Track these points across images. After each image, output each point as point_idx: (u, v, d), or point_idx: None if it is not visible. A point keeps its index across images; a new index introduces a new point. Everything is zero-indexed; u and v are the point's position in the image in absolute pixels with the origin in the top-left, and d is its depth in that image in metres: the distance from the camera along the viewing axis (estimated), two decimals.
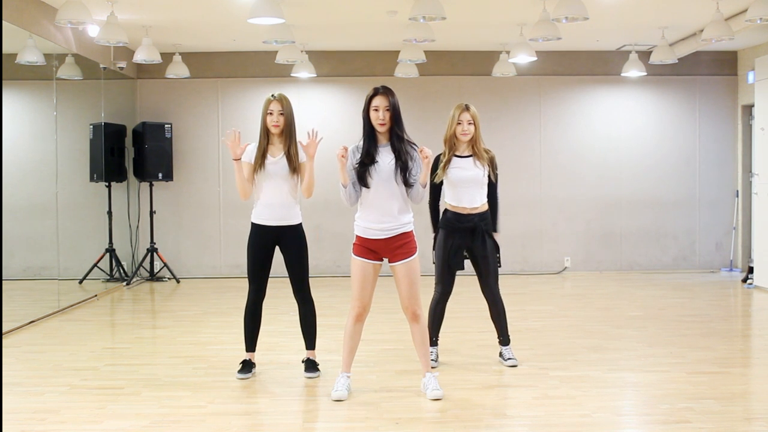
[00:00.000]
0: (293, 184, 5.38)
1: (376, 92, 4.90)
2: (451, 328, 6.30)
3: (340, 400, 4.87)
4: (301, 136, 5.44)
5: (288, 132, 5.36)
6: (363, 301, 4.92)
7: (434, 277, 5.73)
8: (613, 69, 10.77)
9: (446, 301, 5.71)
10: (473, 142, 5.62)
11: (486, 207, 5.67)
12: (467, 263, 5.73)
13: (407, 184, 4.83)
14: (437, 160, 5.65)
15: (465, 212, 5.60)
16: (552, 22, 7.29)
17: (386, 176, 4.81)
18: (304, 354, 5.56)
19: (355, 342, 5.00)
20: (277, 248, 5.45)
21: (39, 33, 7.83)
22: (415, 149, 4.88)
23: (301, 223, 5.44)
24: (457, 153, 5.63)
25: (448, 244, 5.61)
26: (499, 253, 5.72)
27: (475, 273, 5.75)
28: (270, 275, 5.48)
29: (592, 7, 7.30)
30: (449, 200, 5.65)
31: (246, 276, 5.53)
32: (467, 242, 5.62)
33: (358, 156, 4.86)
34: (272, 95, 5.40)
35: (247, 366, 5.46)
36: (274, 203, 5.35)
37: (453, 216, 5.61)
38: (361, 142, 4.89)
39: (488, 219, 5.68)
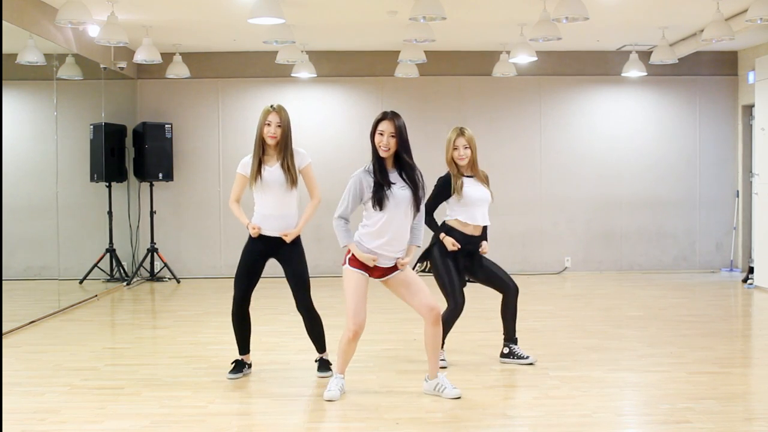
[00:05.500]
0: (292, 194, 5.33)
1: (384, 117, 4.80)
2: (452, 328, 6.29)
3: (331, 400, 4.85)
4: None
5: (284, 143, 5.29)
6: (359, 318, 4.80)
7: (444, 292, 5.58)
8: (613, 69, 10.77)
9: (458, 316, 5.60)
10: (471, 165, 5.61)
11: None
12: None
13: (418, 209, 4.85)
14: (449, 181, 5.57)
15: (474, 232, 5.58)
16: (552, 22, 7.29)
17: (403, 203, 4.76)
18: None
19: (350, 355, 4.96)
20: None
21: (39, 33, 7.83)
22: (418, 173, 4.84)
23: (299, 235, 5.39)
24: (465, 174, 5.62)
25: (448, 258, 5.54)
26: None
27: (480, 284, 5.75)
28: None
29: (592, 7, 7.29)
30: (462, 218, 5.55)
31: None
32: (466, 264, 5.60)
33: (370, 179, 4.77)
34: (271, 106, 5.32)
35: (238, 366, 5.44)
36: (274, 214, 5.31)
37: (460, 236, 5.54)
38: (371, 165, 4.82)
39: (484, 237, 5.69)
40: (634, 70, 10.12)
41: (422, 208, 4.92)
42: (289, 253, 5.35)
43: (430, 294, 4.89)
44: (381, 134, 4.77)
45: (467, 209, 5.55)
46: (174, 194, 10.79)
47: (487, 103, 10.80)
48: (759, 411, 4.84)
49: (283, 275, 5.47)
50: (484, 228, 5.67)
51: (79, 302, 8.59)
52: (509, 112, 10.91)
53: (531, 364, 5.69)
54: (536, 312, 8.04)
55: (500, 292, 5.74)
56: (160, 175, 10.32)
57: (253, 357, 5.59)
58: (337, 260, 10.74)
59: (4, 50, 7.09)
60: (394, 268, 4.86)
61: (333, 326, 6.56)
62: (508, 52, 9.78)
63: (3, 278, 7.12)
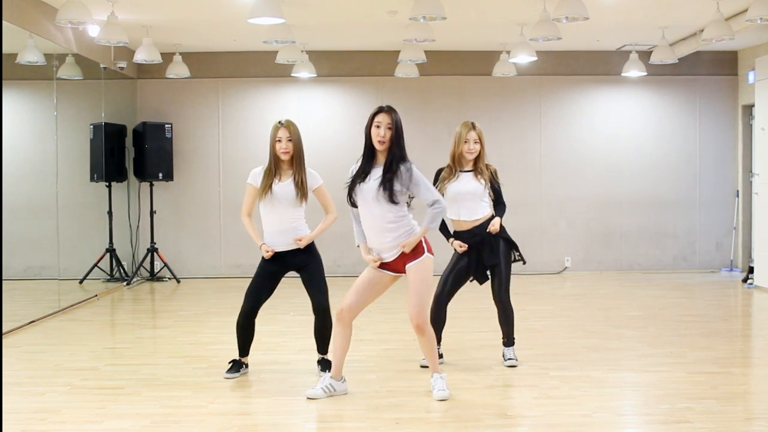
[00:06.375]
0: (301, 208, 5.34)
1: (380, 110, 4.82)
2: (452, 328, 6.29)
3: (311, 398, 4.86)
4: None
5: (297, 158, 5.31)
6: (346, 302, 4.87)
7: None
8: (613, 69, 10.77)
9: (440, 306, 5.63)
10: (477, 159, 5.64)
11: (487, 217, 5.65)
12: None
13: (392, 201, 4.71)
14: (437, 174, 5.67)
15: (466, 227, 5.60)
16: (552, 22, 7.29)
17: (369, 195, 4.75)
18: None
19: (339, 343, 4.93)
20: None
21: (39, 33, 7.83)
22: (409, 169, 4.74)
23: (314, 245, 5.41)
24: (460, 169, 5.65)
25: (457, 255, 5.63)
26: (518, 250, 5.71)
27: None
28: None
29: (592, 7, 7.29)
30: (449, 215, 5.62)
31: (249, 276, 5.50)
32: (475, 257, 5.61)
33: (352, 174, 4.83)
34: (279, 122, 5.32)
35: (235, 366, 5.45)
36: (282, 229, 5.33)
37: (458, 234, 5.63)
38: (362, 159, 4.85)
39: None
40: (634, 70, 10.12)
41: (431, 198, 4.78)
42: (305, 260, 5.39)
43: (417, 305, 4.79)
44: (378, 126, 4.77)
45: (452, 205, 5.61)
46: (174, 194, 10.78)
47: (487, 103, 10.80)
48: (759, 411, 4.84)
49: (285, 277, 5.48)
50: (490, 218, 5.65)
51: (79, 302, 8.59)
52: (509, 112, 10.91)
53: (512, 366, 5.65)
54: (536, 312, 8.05)
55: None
56: (160, 175, 10.32)
57: (253, 357, 5.58)
58: (337, 260, 10.79)
59: (4, 50, 7.09)
60: (408, 259, 4.80)
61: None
62: (508, 52, 9.78)
63: (3, 278, 7.12)
